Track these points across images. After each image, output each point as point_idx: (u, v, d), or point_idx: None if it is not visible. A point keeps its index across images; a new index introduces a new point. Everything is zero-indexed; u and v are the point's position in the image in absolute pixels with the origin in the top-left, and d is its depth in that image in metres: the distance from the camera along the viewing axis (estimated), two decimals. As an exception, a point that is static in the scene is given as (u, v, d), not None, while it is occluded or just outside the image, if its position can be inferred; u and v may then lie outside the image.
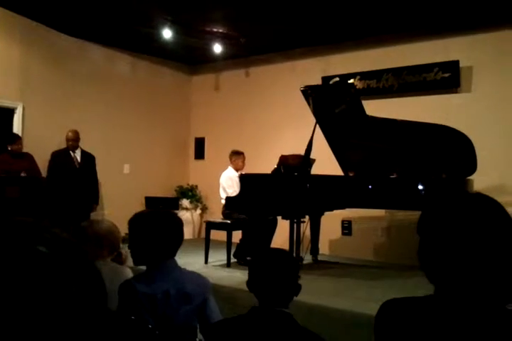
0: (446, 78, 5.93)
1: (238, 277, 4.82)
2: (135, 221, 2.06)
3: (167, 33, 6.39)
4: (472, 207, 1.04)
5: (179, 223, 2.11)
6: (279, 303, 1.66)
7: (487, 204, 1.04)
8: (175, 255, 2.11)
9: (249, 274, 1.75)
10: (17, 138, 6.01)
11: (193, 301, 1.98)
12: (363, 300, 3.99)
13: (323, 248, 6.34)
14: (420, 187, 4.63)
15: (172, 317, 1.94)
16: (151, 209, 2.32)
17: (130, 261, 2.50)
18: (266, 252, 1.89)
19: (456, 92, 5.96)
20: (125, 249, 2.50)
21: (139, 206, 7.40)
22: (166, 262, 2.05)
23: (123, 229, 2.45)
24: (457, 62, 5.86)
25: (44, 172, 6.29)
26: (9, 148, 5.86)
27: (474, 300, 0.99)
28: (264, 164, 6.04)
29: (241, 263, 5.53)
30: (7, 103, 6.39)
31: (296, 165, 5.15)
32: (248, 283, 1.74)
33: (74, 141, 6.39)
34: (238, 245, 5.72)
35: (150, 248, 2.00)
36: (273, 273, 1.68)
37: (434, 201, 1.10)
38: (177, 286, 1.98)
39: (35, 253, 0.58)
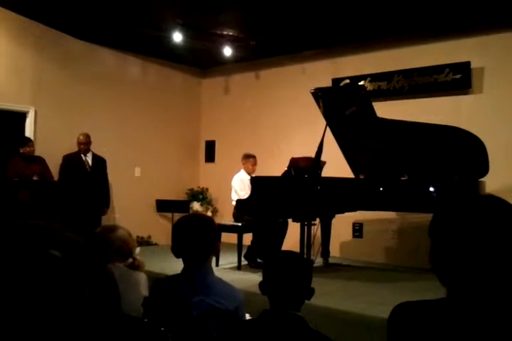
0: (457, 79, 5.90)
1: (249, 280, 4.81)
2: (182, 224, 2.08)
3: (177, 37, 6.42)
4: (484, 209, 1.03)
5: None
6: (291, 306, 1.65)
7: (499, 206, 1.03)
8: (207, 261, 2.10)
9: (263, 276, 1.74)
10: (28, 141, 6.05)
11: (218, 316, 1.91)
12: (375, 303, 3.97)
13: (334, 250, 6.32)
14: (432, 189, 4.60)
15: (192, 327, 1.90)
16: (195, 214, 2.33)
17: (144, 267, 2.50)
18: (281, 254, 1.88)
19: (467, 94, 5.92)
20: (138, 256, 2.49)
21: (150, 209, 7.44)
22: (202, 267, 2.03)
23: (134, 232, 2.45)
24: (468, 63, 5.82)
25: (56, 176, 6.34)
26: (21, 151, 5.91)
27: (487, 304, 0.98)
28: (275, 167, 6.04)
29: (252, 265, 5.53)
30: (19, 107, 6.45)
31: (306, 168, 5.15)
32: (261, 285, 1.73)
33: (85, 144, 6.43)
34: (249, 247, 5.73)
35: (192, 250, 2.00)
36: (287, 276, 1.67)
37: (445, 203, 1.09)
38: (206, 296, 1.93)
39: (48, 257, 0.58)
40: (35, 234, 0.61)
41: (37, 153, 6.13)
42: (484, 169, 4.78)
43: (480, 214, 1.02)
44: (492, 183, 4.99)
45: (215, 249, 2.11)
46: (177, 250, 2.02)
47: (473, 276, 0.99)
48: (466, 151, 4.83)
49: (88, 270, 0.61)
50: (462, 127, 4.80)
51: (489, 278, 0.98)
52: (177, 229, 2.07)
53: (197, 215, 2.20)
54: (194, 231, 2.02)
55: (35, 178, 5.88)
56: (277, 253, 1.94)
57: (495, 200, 1.05)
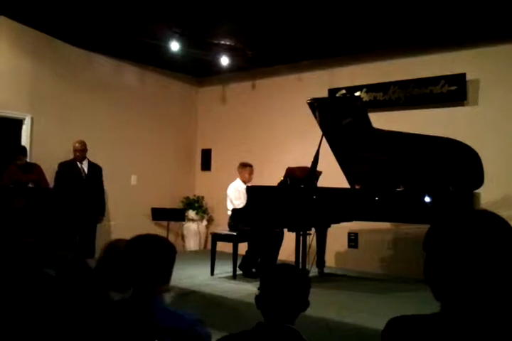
0: (452, 91, 5.94)
1: (244, 289, 4.81)
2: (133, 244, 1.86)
3: (175, 46, 6.45)
4: (478, 224, 1.03)
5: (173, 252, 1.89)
6: (286, 319, 1.64)
7: (493, 221, 1.04)
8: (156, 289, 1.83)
9: (260, 290, 1.73)
10: (20, 154, 5.99)
11: None
12: (370, 313, 3.97)
13: (330, 260, 6.31)
14: (427, 200, 4.61)
15: None
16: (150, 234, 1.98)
17: None
18: (278, 268, 1.85)
19: (462, 105, 5.96)
20: None
21: (146, 217, 7.43)
22: (150, 295, 1.78)
23: None
24: (464, 75, 5.87)
25: (51, 183, 6.32)
26: (17, 162, 5.92)
27: (481, 318, 0.99)
28: (271, 176, 6.05)
29: (247, 275, 5.52)
30: (16, 114, 6.45)
31: (302, 178, 5.15)
32: (257, 298, 1.72)
33: (81, 151, 6.42)
34: (244, 257, 5.71)
35: (142, 275, 1.78)
36: (285, 290, 1.66)
37: (440, 218, 1.10)
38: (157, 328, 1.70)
39: (42, 276, 0.58)
40: (30, 253, 0.61)
41: (33, 160, 6.12)
42: (479, 180, 4.80)
43: (474, 229, 1.02)
44: (487, 194, 5.01)
45: (167, 278, 1.85)
46: (127, 273, 1.82)
47: (467, 292, 0.99)
48: (461, 163, 4.85)
49: (81, 289, 0.61)
50: (457, 138, 4.82)
51: (484, 293, 0.98)
52: (129, 248, 1.85)
53: (155, 236, 1.93)
54: (148, 253, 1.80)
55: (30, 185, 5.87)
56: (275, 266, 1.89)
57: (489, 215, 1.06)
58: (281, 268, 1.82)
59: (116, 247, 2.25)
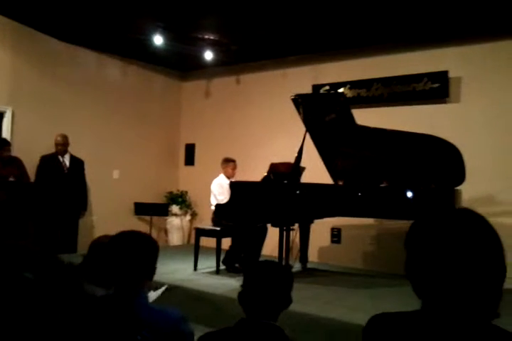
0: (435, 88, 5.99)
1: (227, 284, 4.82)
2: (119, 240, 1.85)
3: (158, 40, 6.40)
4: (458, 222, 1.05)
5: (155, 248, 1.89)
6: (268, 316, 1.65)
7: (473, 219, 1.06)
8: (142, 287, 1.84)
9: (243, 287, 1.73)
10: (5, 145, 5.95)
11: None
12: (352, 309, 4.01)
13: (313, 255, 6.35)
14: (409, 196, 4.66)
15: None
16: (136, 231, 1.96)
17: None
18: (261, 264, 1.84)
19: (445, 102, 6.02)
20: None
21: (128, 212, 7.39)
22: (133, 292, 1.77)
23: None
24: (446, 72, 5.92)
25: (33, 177, 6.25)
26: (-2, 153, 5.83)
27: (461, 316, 1.00)
28: (255, 171, 6.06)
29: (230, 270, 5.52)
30: (-4, 107, 6.36)
31: (286, 173, 5.17)
32: (240, 295, 1.72)
33: (63, 145, 6.36)
34: (227, 252, 5.72)
35: (123, 271, 1.78)
36: (267, 286, 1.67)
37: (421, 216, 1.11)
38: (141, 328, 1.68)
39: (22, 280, 0.58)
40: (10, 256, 0.61)
41: (14, 153, 6.04)
42: (460, 177, 4.86)
43: (454, 227, 1.04)
44: (468, 191, 5.07)
45: (150, 274, 1.85)
46: (110, 269, 1.82)
47: (448, 289, 1.01)
48: (442, 160, 4.90)
49: (61, 292, 0.60)
50: (439, 135, 4.87)
51: (463, 291, 1.00)
52: (112, 245, 1.85)
53: (139, 233, 1.92)
54: (131, 249, 1.80)
55: (11, 179, 5.80)
56: (258, 263, 1.88)
57: (469, 214, 1.07)
58: (264, 265, 1.81)
59: (101, 244, 2.25)
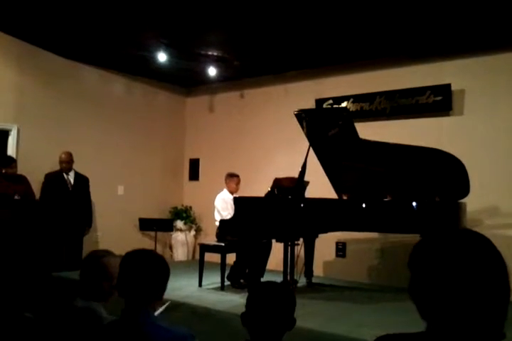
0: (438, 101, 6.00)
1: (232, 300, 4.79)
2: (132, 258, 1.88)
3: (162, 56, 6.46)
4: (462, 244, 1.04)
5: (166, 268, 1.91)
6: (273, 338, 1.64)
7: (477, 241, 1.05)
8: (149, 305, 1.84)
9: (246, 308, 1.72)
10: (11, 162, 5.98)
11: None
12: (358, 324, 3.97)
13: (318, 270, 6.31)
14: (413, 210, 4.64)
15: None
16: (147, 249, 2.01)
17: None
18: (263, 287, 1.82)
19: (448, 115, 6.02)
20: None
21: (133, 228, 7.39)
22: (143, 312, 1.79)
23: (116, 251, 2.38)
24: (449, 85, 5.93)
25: (38, 194, 6.27)
26: (3, 171, 5.85)
27: (466, 338, 0.99)
28: (259, 186, 6.05)
29: (235, 286, 5.50)
30: (2, 125, 6.41)
31: (290, 188, 5.16)
32: (243, 316, 1.71)
33: (67, 162, 6.39)
34: (232, 268, 5.69)
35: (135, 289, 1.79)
36: (270, 309, 1.66)
37: (425, 237, 1.11)
38: None
39: (22, 319, 0.59)
40: (12, 298, 0.61)
41: (19, 171, 6.07)
42: (465, 190, 4.84)
43: (458, 249, 1.03)
44: (472, 204, 5.05)
45: (160, 293, 1.86)
46: (121, 287, 1.85)
47: (452, 311, 1.00)
48: (447, 173, 4.89)
49: (59, 330, 0.61)
50: (443, 148, 4.86)
51: (467, 313, 0.99)
52: (125, 263, 1.88)
53: (151, 252, 1.97)
54: (143, 267, 1.83)
55: (16, 197, 5.82)
56: (260, 284, 1.86)
57: (473, 235, 1.07)
58: (266, 287, 1.80)
59: (96, 257, 2.26)
